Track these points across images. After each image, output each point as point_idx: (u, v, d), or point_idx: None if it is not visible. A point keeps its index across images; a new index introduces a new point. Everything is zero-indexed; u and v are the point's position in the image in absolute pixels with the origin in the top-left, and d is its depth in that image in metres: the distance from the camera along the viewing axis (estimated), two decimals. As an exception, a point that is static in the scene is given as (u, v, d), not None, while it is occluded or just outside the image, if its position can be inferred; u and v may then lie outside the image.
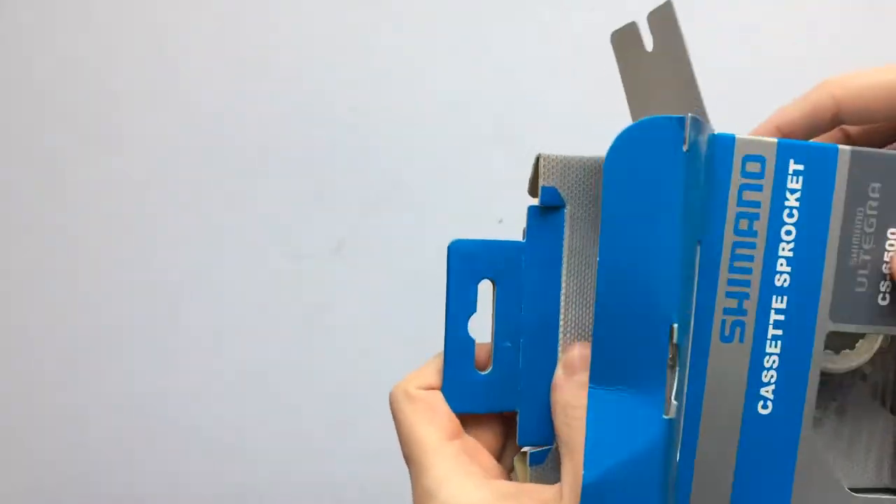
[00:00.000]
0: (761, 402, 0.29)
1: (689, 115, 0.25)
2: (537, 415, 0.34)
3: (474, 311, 0.34)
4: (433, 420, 0.32)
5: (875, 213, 0.29)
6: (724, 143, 0.28)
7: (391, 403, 0.34)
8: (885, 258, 0.29)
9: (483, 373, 0.35)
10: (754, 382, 0.29)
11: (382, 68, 0.63)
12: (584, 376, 0.31)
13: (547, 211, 0.34)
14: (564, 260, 0.34)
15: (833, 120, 0.31)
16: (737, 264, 0.28)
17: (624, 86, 0.33)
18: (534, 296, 0.34)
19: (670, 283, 0.25)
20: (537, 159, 0.33)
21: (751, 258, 0.28)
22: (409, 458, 0.32)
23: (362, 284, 0.66)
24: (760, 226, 0.28)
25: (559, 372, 0.32)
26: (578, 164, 0.34)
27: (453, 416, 0.33)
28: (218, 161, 0.63)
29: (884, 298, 0.29)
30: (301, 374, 0.65)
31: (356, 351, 0.65)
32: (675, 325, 0.25)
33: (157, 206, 0.64)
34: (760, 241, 0.28)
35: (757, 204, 0.28)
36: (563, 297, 0.34)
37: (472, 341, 0.34)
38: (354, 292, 0.66)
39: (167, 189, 0.63)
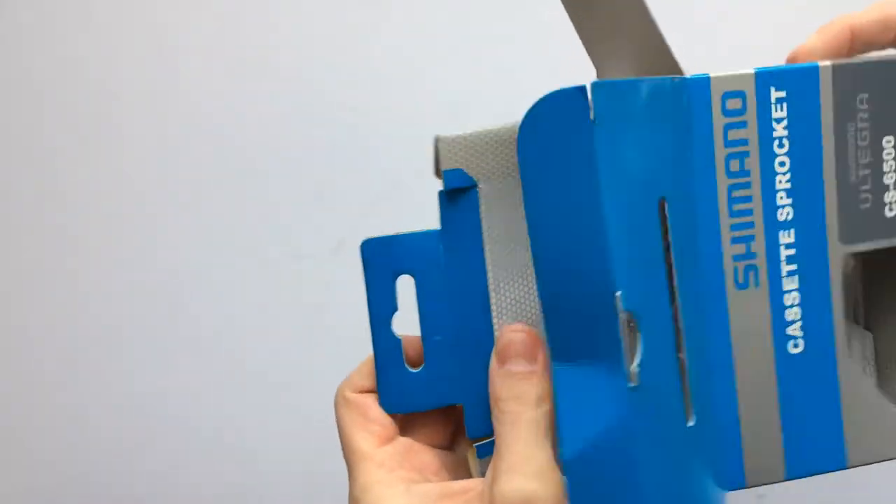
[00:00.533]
0: (791, 342, 0.28)
1: (593, 81, 0.24)
2: (482, 405, 0.32)
3: (396, 308, 0.33)
4: (365, 426, 0.32)
5: (867, 124, 0.28)
6: (699, 85, 0.27)
7: (334, 406, 0.33)
8: (885, 168, 0.28)
9: (415, 370, 0.33)
10: (779, 324, 0.28)
11: (382, 68, 0.63)
12: (514, 365, 0.30)
13: (457, 193, 0.32)
14: (485, 240, 0.32)
15: (850, 52, 0.30)
16: (736, 207, 0.27)
17: (579, 34, 0.31)
18: (458, 283, 0.33)
19: (605, 253, 0.24)
20: (436, 142, 0.32)
21: (748, 199, 0.27)
22: (346, 463, 0.32)
23: (362, 284, 0.65)
24: (752, 163, 0.27)
25: (493, 361, 0.31)
26: (482, 139, 0.32)
27: (386, 419, 0.32)
28: (218, 161, 0.63)
29: (891, 209, 0.28)
30: (301, 374, 0.64)
31: (356, 351, 0.64)
32: (619, 293, 0.24)
33: (156, 206, 0.64)
34: (755, 179, 0.27)
35: (744, 142, 0.27)
36: (490, 280, 0.32)
37: (399, 340, 0.33)
38: (354, 292, 0.65)
39: (167, 189, 0.63)
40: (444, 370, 0.33)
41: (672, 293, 0.27)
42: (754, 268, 0.27)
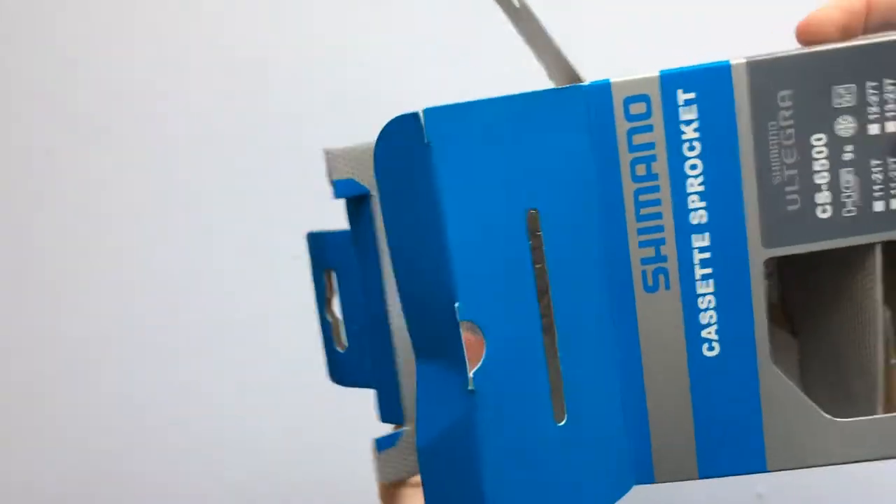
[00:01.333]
0: (706, 345, 0.27)
1: (426, 108, 0.24)
2: (391, 392, 0.35)
3: (326, 297, 0.36)
4: None
5: (791, 122, 0.26)
6: (600, 91, 0.26)
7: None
8: (816, 167, 0.26)
9: (342, 351, 0.36)
10: (693, 327, 0.27)
11: (382, 68, 0.63)
12: None
13: (360, 200, 0.34)
14: (378, 244, 0.34)
15: (865, 28, 0.28)
16: (644, 211, 0.27)
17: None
18: (367, 280, 0.34)
19: (446, 265, 0.24)
20: (325, 154, 0.33)
21: (657, 202, 0.27)
22: None
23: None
24: (660, 167, 0.26)
25: None
26: (367, 152, 0.33)
27: None
28: (218, 161, 0.63)
29: (824, 211, 0.27)
30: (302, 374, 0.65)
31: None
32: (457, 304, 0.24)
33: (157, 207, 0.64)
34: (664, 183, 0.26)
35: (650, 146, 0.26)
36: (384, 281, 0.34)
37: (330, 324, 0.36)
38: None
39: (167, 189, 0.64)
40: (362, 356, 0.36)
41: (541, 301, 0.26)
42: (664, 271, 0.27)
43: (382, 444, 0.34)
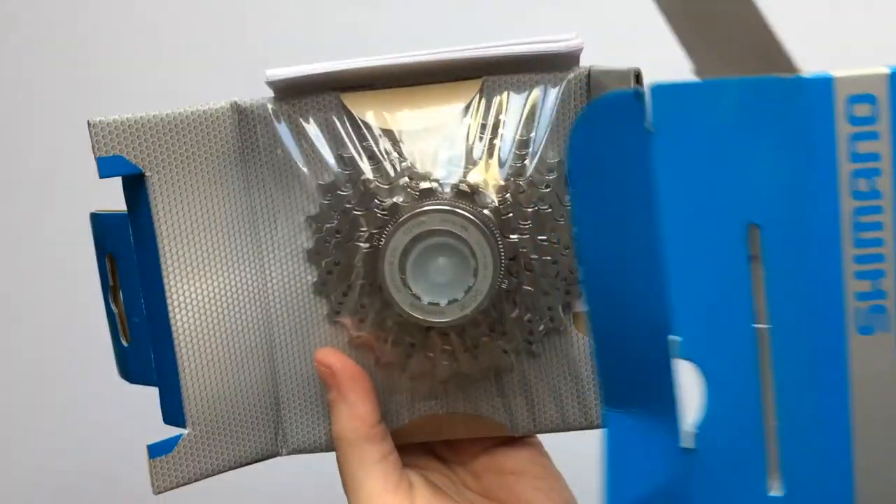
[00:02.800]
0: None
1: (654, 83, 0.20)
2: (171, 395, 0.33)
3: (109, 283, 0.34)
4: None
5: None
6: (819, 87, 0.21)
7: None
8: None
9: (126, 345, 0.34)
10: None
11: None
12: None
13: (136, 180, 0.31)
14: (158, 233, 0.32)
15: None
16: (862, 235, 0.22)
17: (675, 32, 0.28)
18: (146, 269, 0.32)
19: (661, 287, 0.20)
20: (88, 126, 0.31)
21: (878, 226, 0.22)
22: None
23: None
24: (885, 183, 0.22)
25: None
26: (147, 125, 0.32)
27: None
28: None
29: None
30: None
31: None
32: (676, 338, 0.20)
33: None
34: (888, 203, 0.22)
35: (874, 157, 0.22)
36: (164, 271, 0.32)
37: (114, 314, 0.34)
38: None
39: None
40: (145, 351, 0.34)
41: (760, 340, 0.22)
42: (882, 309, 0.22)
43: (156, 451, 0.33)
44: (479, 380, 0.35)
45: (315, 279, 0.35)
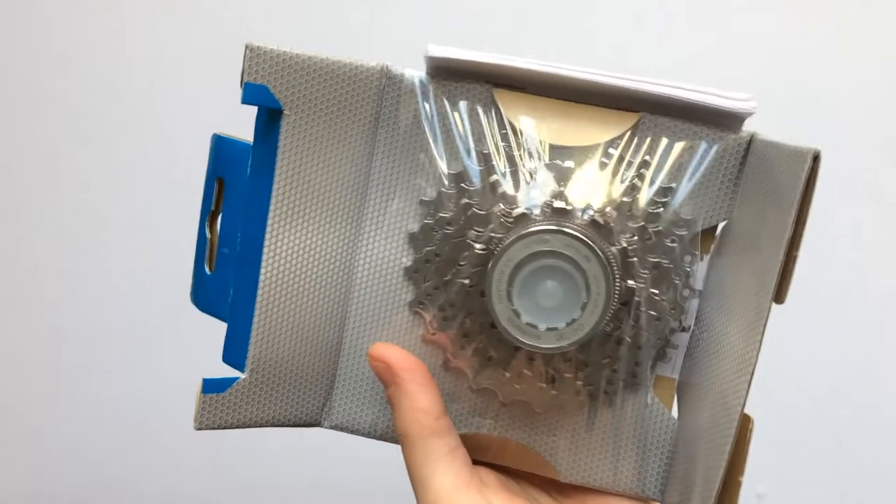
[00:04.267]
0: None
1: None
2: (238, 335, 0.33)
3: (210, 208, 0.33)
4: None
5: None
6: None
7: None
8: None
9: (209, 273, 0.34)
10: None
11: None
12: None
13: (273, 115, 0.31)
14: (277, 175, 0.31)
15: None
16: None
17: None
18: (253, 205, 0.32)
19: None
20: (246, 49, 0.30)
21: None
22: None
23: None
24: None
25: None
26: (302, 63, 0.31)
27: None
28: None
29: None
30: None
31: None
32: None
33: (158, 204, 0.63)
34: None
35: None
36: (271, 211, 0.32)
37: (206, 240, 0.34)
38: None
39: (171, 188, 0.63)
40: (226, 285, 0.33)
41: None
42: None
43: (210, 387, 0.32)
44: (540, 413, 0.34)
45: (410, 263, 0.34)
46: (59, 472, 0.67)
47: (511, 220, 0.31)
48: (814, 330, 0.61)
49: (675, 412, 0.34)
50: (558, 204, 0.31)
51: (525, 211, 0.31)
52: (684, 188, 0.32)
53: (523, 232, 0.29)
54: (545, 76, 0.31)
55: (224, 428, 0.33)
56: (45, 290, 0.65)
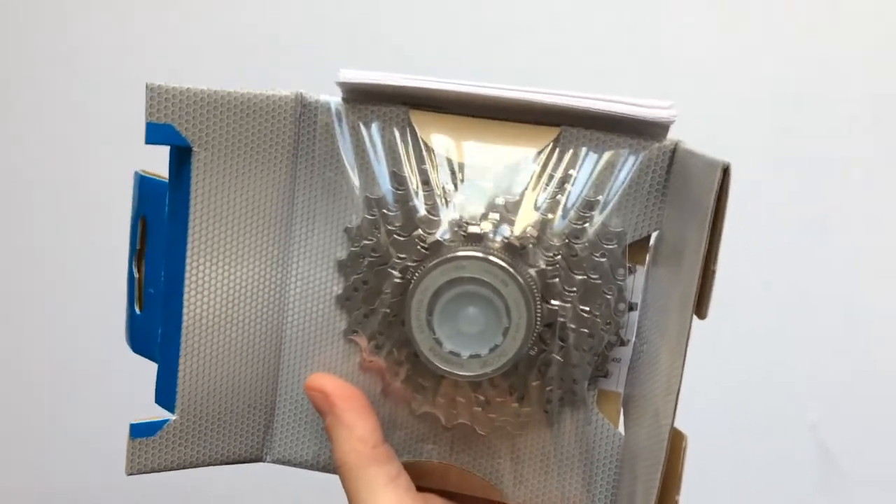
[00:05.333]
0: None
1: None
2: (167, 376, 0.32)
3: (136, 248, 0.33)
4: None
5: None
6: None
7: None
8: None
9: (139, 313, 0.33)
10: None
11: (383, 61, 0.62)
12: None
13: (185, 152, 0.30)
14: (192, 212, 0.31)
15: None
16: None
17: None
18: (169, 244, 0.31)
19: None
20: (147, 88, 0.30)
21: None
22: None
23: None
24: None
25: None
26: (205, 99, 0.30)
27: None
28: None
29: None
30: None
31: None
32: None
33: None
34: None
35: None
36: (189, 250, 0.31)
37: (134, 279, 0.33)
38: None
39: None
40: (153, 324, 0.32)
41: None
42: None
43: (138, 431, 0.32)
44: (483, 435, 0.33)
45: (340, 292, 0.33)
46: (60, 468, 0.67)
47: (426, 246, 0.30)
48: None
49: (622, 427, 0.33)
50: (473, 228, 0.30)
51: (439, 238, 0.30)
52: (610, 200, 0.31)
53: (438, 259, 0.29)
54: (460, 95, 0.30)
55: (157, 471, 0.32)
56: (50, 289, 0.65)
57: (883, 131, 0.58)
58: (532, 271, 0.30)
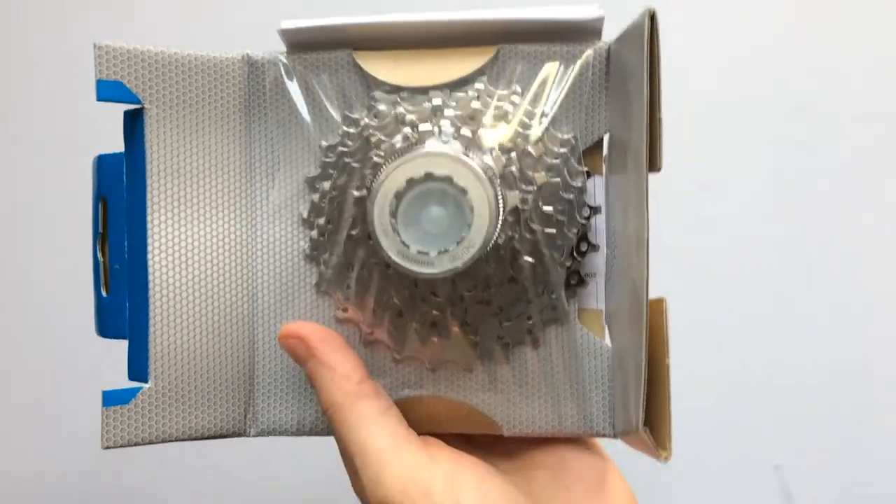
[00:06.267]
0: None
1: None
2: (138, 348, 0.32)
3: (99, 231, 0.33)
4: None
5: None
6: None
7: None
8: None
9: (106, 296, 0.33)
10: None
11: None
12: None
13: (136, 113, 0.31)
14: (148, 171, 0.31)
15: None
16: None
17: None
18: (129, 210, 0.32)
19: None
20: (94, 47, 0.30)
21: None
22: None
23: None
24: None
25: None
26: (153, 57, 0.31)
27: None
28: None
29: None
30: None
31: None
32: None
33: None
34: None
35: None
36: (148, 211, 0.31)
37: (99, 263, 0.33)
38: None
39: None
40: (121, 301, 0.32)
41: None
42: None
43: (111, 399, 0.31)
44: (471, 371, 0.32)
45: (307, 246, 0.33)
46: (60, 469, 0.63)
47: (383, 154, 0.31)
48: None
49: (609, 340, 0.33)
50: (424, 127, 0.30)
51: (394, 143, 0.31)
52: (554, 107, 0.32)
53: (396, 160, 0.29)
54: (396, 27, 0.32)
55: (135, 444, 0.31)
56: (53, 288, 0.63)
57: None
58: (488, 160, 0.30)
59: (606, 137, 0.32)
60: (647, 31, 0.27)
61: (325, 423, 0.33)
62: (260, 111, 0.33)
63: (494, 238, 0.29)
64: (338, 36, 0.33)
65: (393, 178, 0.29)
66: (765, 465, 0.60)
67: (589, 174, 0.33)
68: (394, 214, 0.29)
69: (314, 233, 0.33)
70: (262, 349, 0.33)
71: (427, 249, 0.29)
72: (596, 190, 0.33)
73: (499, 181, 0.29)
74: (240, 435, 0.33)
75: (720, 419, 0.59)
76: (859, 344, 0.59)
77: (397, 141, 0.31)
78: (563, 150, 0.32)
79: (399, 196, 0.29)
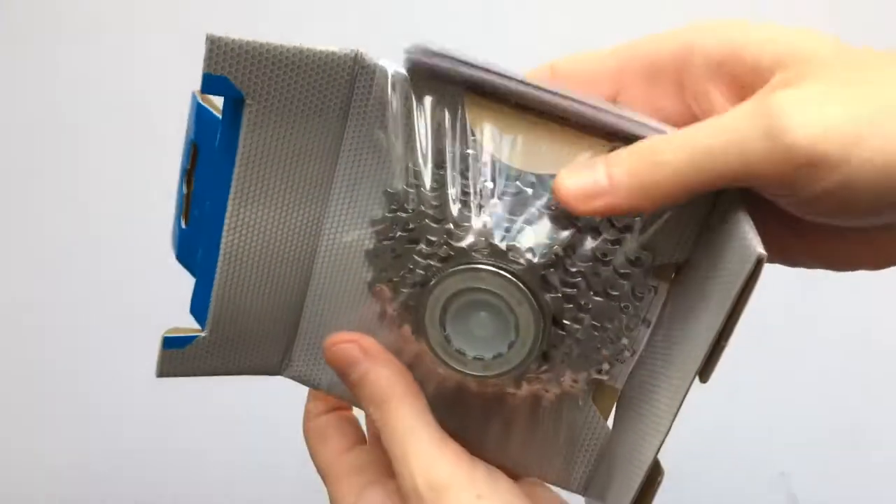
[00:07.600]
0: None
1: None
2: (203, 292, 0.34)
3: (187, 166, 0.34)
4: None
5: None
6: None
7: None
8: None
9: (185, 228, 0.35)
10: None
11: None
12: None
13: (239, 103, 0.31)
14: (238, 156, 0.32)
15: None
16: None
17: None
18: (219, 175, 0.33)
19: None
20: (207, 40, 0.30)
21: None
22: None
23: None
24: None
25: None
26: (261, 52, 0.30)
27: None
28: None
29: None
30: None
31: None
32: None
33: (161, 202, 0.62)
34: None
35: None
36: (231, 192, 0.33)
37: (183, 195, 0.34)
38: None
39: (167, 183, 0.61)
40: (198, 242, 0.34)
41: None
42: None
43: (170, 343, 0.34)
44: (482, 402, 0.35)
45: (371, 247, 0.34)
46: (61, 468, 0.71)
47: (452, 250, 0.31)
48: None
49: (612, 420, 0.35)
50: (500, 244, 0.30)
51: (465, 246, 0.30)
52: (651, 224, 0.31)
53: (459, 267, 0.29)
54: (521, 92, 0.30)
55: (185, 376, 0.36)
56: (57, 287, 0.68)
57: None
58: (548, 297, 0.30)
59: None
60: (747, 275, 0.25)
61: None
62: (359, 111, 0.32)
63: (528, 364, 0.30)
64: (456, 76, 0.30)
65: (452, 281, 0.29)
66: (771, 471, 0.62)
67: (653, 289, 0.32)
68: (445, 310, 0.30)
69: (381, 245, 0.34)
70: (309, 316, 0.36)
71: (465, 350, 0.30)
72: (654, 300, 0.32)
73: (551, 319, 0.30)
74: (274, 373, 0.38)
75: (725, 426, 0.60)
76: (865, 348, 0.59)
77: (471, 241, 0.30)
78: (638, 268, 0.31)
79: (455, 295, 0.29)
